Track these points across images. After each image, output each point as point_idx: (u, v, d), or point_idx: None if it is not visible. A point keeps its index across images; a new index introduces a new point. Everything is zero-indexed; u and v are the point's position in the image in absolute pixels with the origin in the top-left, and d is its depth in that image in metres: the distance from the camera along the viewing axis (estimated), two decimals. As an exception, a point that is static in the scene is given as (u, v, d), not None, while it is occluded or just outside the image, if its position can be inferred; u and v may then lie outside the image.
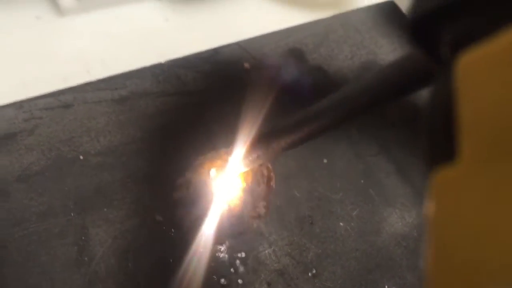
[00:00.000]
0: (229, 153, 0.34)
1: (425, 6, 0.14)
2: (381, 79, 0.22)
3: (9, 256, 0.31)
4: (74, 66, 0.42)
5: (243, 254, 0.36)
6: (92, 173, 0.36)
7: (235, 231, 0.36)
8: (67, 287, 0.32)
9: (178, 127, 0.41)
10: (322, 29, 0.52)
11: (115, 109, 0.39)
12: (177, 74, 0.43)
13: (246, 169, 0.33)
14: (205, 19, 0.50)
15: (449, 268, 0.11)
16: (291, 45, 0.50)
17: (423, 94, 0.19)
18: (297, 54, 0.49)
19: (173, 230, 0.36)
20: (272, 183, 0.38)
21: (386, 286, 0.38)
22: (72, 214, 0.34)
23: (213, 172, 0.37)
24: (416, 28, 0.15)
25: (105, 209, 0.35)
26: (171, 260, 0.34)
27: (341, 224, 0.40)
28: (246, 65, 0.46)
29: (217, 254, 0.36)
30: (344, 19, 0.54)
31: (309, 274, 0.37)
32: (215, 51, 0.46)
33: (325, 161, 0.43)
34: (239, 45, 0.47)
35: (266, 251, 0.37)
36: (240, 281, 0.35)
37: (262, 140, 0.29)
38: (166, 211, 0.36)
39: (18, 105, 0.37)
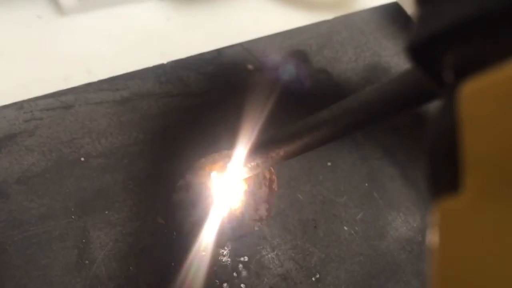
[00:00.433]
0: (230, 155, 0.34)
1: (430, 27, 0.13)
2: (382, 95, 0.21)
3: (8, 259, 0.31)
4: (75, 65, 0.42)
5: (246, 258, 0.36)
6: (93, 175, 0.35)
7: (236, 234, 0.36)
8: (67, 291, 0.31)
9: (180, 128, 0.40)
10: (326, 30, 0.52)
11: (117, 110, 0.39)
12: (179, 75, 0.43)
13: (245, 176, 0.32)
14: (207, 19, 0.50)
15: None
16: (294, 46, 0.49)
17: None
18: (300, 56, 0.49)
19: (174, 233, 0.35)
20: (274, 186, 0.38)
21: (391, 292, 0.38)
22: (73, 217, 0.33)
23: (214, 174, 0.36)
24: (418, 49, 0.14)
25: (106, 212, 0.34)
26: (173, 264, 0.34)
27: (345, 228, 0.40)
28: (249, 66, 0.45)
29: (219, 258, 0.35)
30: (348, 21, 0.53)
31: (313, 278, 0.36)
32: (218, 52, 0.45)
33: (329, 164, 0.42)
34: (242, 46, 0.47)
35: (269, 255, 0.37)
36: (242, 285, 0.35)
37: (261, 148, 0.29)
38: (168, 214, 0.36)
39: (19, 106, 0.36)
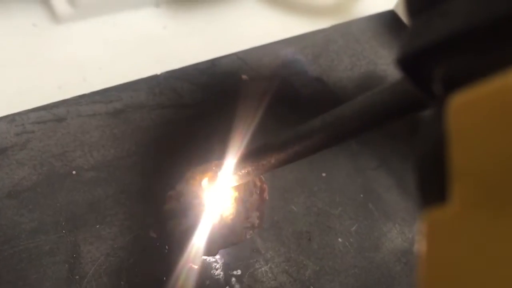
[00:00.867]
0: (221, 165, 0.34)
1: (420, 40, 0.13)
2: (373, 104, 0.21)
3: (-2, 275, 0.31)
4: (70, 73, 0.41)
5: (239, 272, 0.36)
6: (84, 189, 0.35)
7: (228, 242, 0.35)
8: (57, 307, 0.31)
9: (174, 140, 0.40)
10: (322, 39, 0.51)
11: (109, 123, 0.38)
12: (173, 86, 0.42)
13: (236, 183, 0.32)
14: (203, 27, 0.50)
15: None
16: (290, 55, 0.49)
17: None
18: (296, 65, 0.48)
19: (167, 247, 0.35)
20: (265, 195, 0.37)
21: (386, 305, 0.38)
22: (64, 231, 0.33)
23: (204, 183, 0.36)
24: (409, 61, 0.14)
25: (97, 226, 0.34)
26: (164, 278, 0.34)
27: (339, 240, 0.39)
28: (244, 76, 0.45)
29: (212, 272, 0.35)
30: (344, 29, 0.53)
31: (307, 292, 0.36)
32: (213, 63, 0.45)
33: (323, 175, 0.42)
34: (237, 56, 0.47)
35: (263, 268, 0.36)
36: (235, 299, 0.34)
37: (252, 156, 0.29)
38: (160, 227, 0.35)
39: (11, 118, 0.36)
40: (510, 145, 0.10)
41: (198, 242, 0.34)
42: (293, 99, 0.46)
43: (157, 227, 0.35)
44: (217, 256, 0.36)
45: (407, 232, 0.42)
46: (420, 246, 0.12)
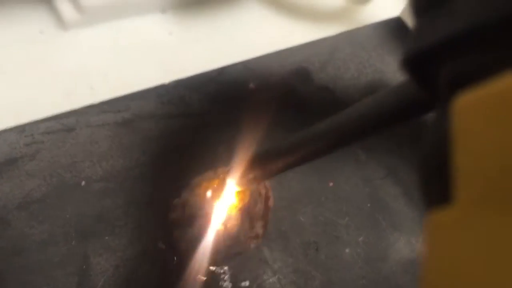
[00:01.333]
0: (226, 172, 0.34)
1: (425, 41, 0.13)
2: (378, 107, 0.21)
3: (9, 287, 0.31)
4: (78, 81, 0.41)
5: (247, 283, 0.36)
6: (94, 200, 0.35)
7: (232, 252, 0.36)
8: (67, 319, 0.31)
9: (182, 149, 0.40)
10: (329, 47, 0.51)
11: (118, 132, 0.39)
12: (181, 95, 0.43)
13: (242, 189, 0.32)
14: (209, 33, 0.49)
15: None
16: (297, 64, 0.49)
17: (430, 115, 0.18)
18: (303, 74, 0.48)
19: (175, 258, 0.35)
20: (270, 203, 0.37)
21: (393, 316, 0.38)
22: (73, 243, 0.33)
23: (209, 192, 0.36)
24: (413, 62, 0.14)
25: (106, 237, 0.34)
26: (173, 289, 0.34)
27: (347, 250, 0.40)
28: (252, 85, 0.45)
29: (220, 283, 0.35)
30: (351, 37, 0.53)
31: (314, 303, 0.36)
32: (220, 72, 0.45)
33: (330, 184, 0.42)
34: (244, 64, 0.47)
35: (271, 279, 0.36)
36: (243, 311, 0.34)
37: (258, 160, 0.29)
38: (169, 238, 0.35)
39: (21, 129, 0.36)
40: None
41: (203, 252, 0.34)
42: (300, 107, 0.46)
43: (166, 238, 0.35)
44: (225, 267, 0.36)
45: (414, 242, 0.42)
46: (424, 248, 0.12)
